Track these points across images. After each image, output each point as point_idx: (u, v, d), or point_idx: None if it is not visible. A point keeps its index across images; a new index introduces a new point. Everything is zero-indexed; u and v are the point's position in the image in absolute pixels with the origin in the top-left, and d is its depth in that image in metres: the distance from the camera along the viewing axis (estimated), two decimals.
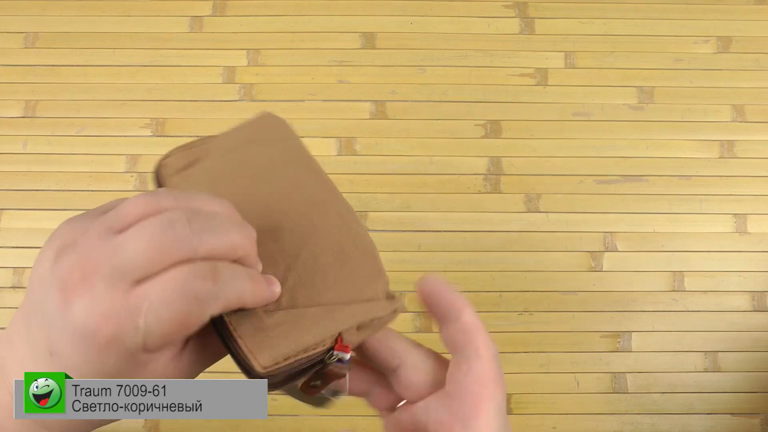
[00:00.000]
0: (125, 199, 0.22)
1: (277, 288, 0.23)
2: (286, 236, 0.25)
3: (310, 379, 0.24)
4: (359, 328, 0.24)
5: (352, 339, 0.24)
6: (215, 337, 0.23)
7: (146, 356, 0.21)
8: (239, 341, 0.23)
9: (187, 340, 0.24)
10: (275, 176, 0.27)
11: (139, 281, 0.20)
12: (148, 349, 0.21)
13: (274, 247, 0.24)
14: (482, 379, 0.24)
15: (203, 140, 0.28)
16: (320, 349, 0.23)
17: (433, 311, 0.27)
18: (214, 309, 0.21)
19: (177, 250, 0.20)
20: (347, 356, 0.23)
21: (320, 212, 0.26)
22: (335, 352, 0.23)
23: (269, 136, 0.30)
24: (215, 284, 0.21)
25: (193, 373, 0.24)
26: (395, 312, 0.25)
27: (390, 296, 0.26)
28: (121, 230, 0.21)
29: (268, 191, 0.26)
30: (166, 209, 0.21)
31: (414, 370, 0.26)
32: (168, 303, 0.20)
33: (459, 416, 0.24)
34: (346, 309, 0.24)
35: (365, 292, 0.25)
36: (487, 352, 0.25)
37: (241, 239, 0.22)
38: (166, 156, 0.27)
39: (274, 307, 0.23)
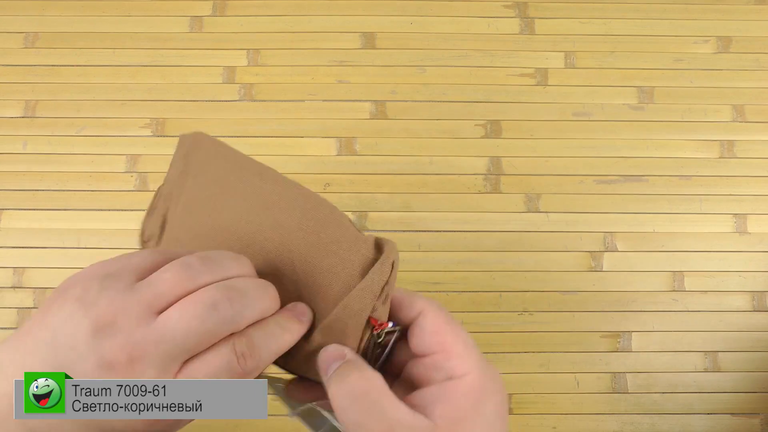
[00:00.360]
0: (154, 253, 0.23)
1: (308, 315, 0.25)
2: (273, 259, 0.26)
3: (377, 356, 0.25)
4: (379, 300, 0.25)
5: (381, 314, 0.25)
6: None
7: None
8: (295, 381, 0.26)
9: None
10: (235, 202, 0.28)
11: (186, 362, 0.22)
12: None
13: (273, 275, 0.26)
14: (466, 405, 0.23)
15: (157, 196, 0.29)
16: (364, 343, 0.24)
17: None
18: (256, 375, 0.24)
19: (222, 332, 0.22)
20: (390, 327, 0.25)
21: (285, 218, 0.27)
22: (377, 333, 0.25)
23: (205, 160, 0.30)
24: (253, 359, 0.23)
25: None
26: (394, 264, 0.25)
27: (380, 250, 0.26)
28: (161, 310, 0.21)
29: (238, 222, 0.27)
30: (203, 285, 0.22)
31: (434, 315, 0.24)
32: (208, 374, 0.22)
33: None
34: (354, 296, 0.25)
35: (356, 265, 0.25)
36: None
37: (269, 303, 0.23)
38: (142, 232, 0.29)
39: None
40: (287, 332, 0.24)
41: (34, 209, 0.55)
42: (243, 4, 0.58)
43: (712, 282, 0.54)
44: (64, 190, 0.55)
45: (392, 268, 0.26)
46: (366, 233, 0.27)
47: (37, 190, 0.55)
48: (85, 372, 0.21)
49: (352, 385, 0.23)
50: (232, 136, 0.56)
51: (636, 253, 0.54)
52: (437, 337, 0.24)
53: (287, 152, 0.55)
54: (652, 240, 0.54)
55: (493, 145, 0.56)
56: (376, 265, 0.25)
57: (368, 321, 0.25)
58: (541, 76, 0.57)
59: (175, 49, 0.57)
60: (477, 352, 0.24)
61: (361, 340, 0.25)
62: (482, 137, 0.56)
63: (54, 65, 0.57)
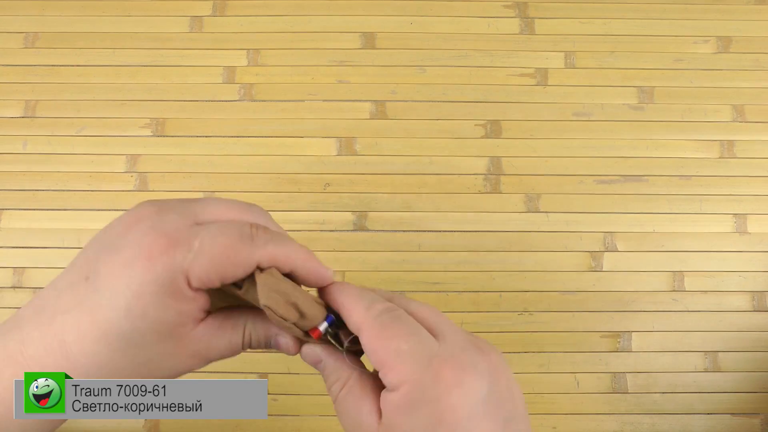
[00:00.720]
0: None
1: (330, 272, 0.25)
2: None
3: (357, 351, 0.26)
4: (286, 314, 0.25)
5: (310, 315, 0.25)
6: (227, 331, 0.25)
7: (183, 290, 0.22)
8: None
9: (208, 315, 0.25)
10: None
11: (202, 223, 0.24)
12: (195, 274, 0.22)
13: None
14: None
15: None
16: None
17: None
18: (261, 255, 0.23)
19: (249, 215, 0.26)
20: (325, 326, 0.26)
21: None
22: (322, 338, 0.26)
23: None
24: (266, 234, 0.24)
25: (201, 351, 0.25)
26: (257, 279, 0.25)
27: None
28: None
29: None
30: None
31: (367, 333, 0.24)
32: (223, 233, 0.23)
33: None
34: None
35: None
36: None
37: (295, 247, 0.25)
38: None
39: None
40: (308, 255, 0.25)
41: (34, 209, 0.55)
42: (243, 4, 0.58)
43: (712, 282, 0.54)
44: (64, 190, 0.55)
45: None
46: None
47: (37, 190, 0.55)
48: (117, 230, 0.23)
49: (332, 388, 0.25)
50: (232, 136, 0.56)
51: (636, 253, 0.54)
52: (374, 356, 0.23)
53: (287, 152, 0.55)
54: (652, 240, 0.54)
55: (493, 145, 0.56)
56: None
57: (310, 332, 0.25)
58: (541, 76, 0.57)
59: (175, 49, 0.57)
60: (414, 359, 0.23)
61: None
62: (482, 137, 0.56)
63: (54, 65, 0.57)
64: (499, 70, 0.57)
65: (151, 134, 0.56)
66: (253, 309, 0.26)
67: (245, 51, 0.57)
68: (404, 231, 0.54)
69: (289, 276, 0.25)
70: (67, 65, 0.57)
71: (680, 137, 0.56)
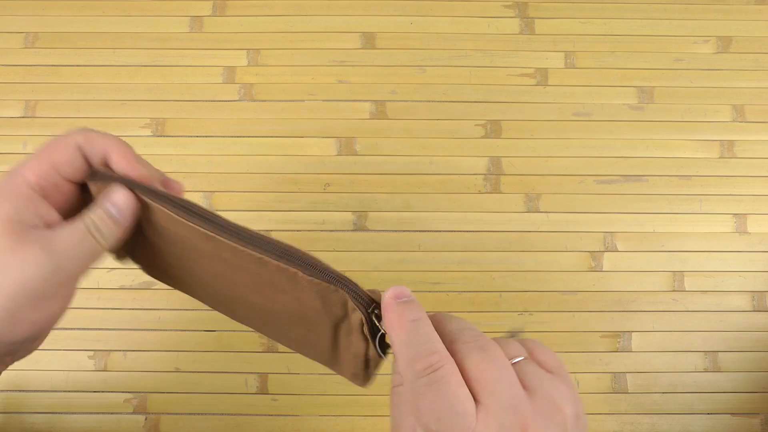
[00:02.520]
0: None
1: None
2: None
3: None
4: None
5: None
6: (66, 230, 0.26)
7: (24, 188, 0.26)
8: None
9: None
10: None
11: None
12: (29, 173, 0.27)
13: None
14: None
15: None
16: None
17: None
18: (78, 137, 0.28)
19: None
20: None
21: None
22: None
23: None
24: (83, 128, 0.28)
25: (46, 246, 0.25)
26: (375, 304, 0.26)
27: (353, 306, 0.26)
28: None
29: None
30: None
31: None
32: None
33: None
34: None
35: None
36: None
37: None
38: None
39: None
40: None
41: None
42: (243, 4, 0.58)
43: (712, 282, 0.54)
44: None
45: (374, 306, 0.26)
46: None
47: None
48: None
49: (419, 339, 0.24)
50: (232, 136, 0.56)
51: (636, 253, 0.54)
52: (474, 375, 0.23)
53: (287, 152, 0.55)
54: (652, 240, 0.54)
55: (493, 145, 0.56)
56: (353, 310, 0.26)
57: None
58: (541, 76, 0.57)
59: (175, 49, 0.57)
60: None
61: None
62: (482, 137, 0.56)
63: (54, 65, 0.57)
64: (499, 70, 0.57)
65: (151, 134, 0.56)
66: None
67: (245, 51, 0.57)
68: (404, 231, 0.54)
69: (108, 163, 0.28)
70: (67, 65, 0.57)
71: (680, 137, 0.56)
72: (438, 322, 0.25)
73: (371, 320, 0.25)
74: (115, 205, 0.26)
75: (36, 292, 0.24)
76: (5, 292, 0.23)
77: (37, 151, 0.26)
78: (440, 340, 0.24)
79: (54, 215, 0.26)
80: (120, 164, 0.27)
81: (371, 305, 0.26)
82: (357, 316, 0.26)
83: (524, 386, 0.23)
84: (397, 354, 0.24)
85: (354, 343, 0.27)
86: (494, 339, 0.24)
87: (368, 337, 0.26)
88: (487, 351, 0.23)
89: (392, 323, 0.24)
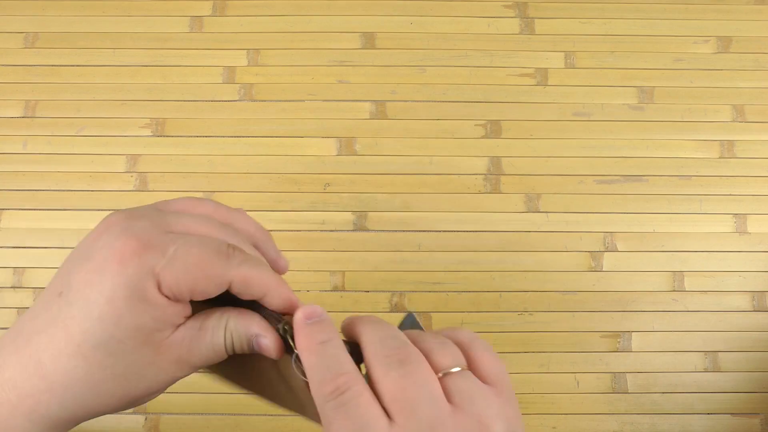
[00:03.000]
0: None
1: (298, 300, 0.25)
2: None
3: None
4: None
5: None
6: (207, 333, 0.24)
7: (154, 292, 0.22)
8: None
9: (188, 319, 0.24)
10: None
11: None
12: (167, 281, 0.21)
13: None
14: None
15: None
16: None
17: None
18: (235, 274, 0.23)
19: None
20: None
21: None
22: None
23: None
24: (242, 255, 0.23)
25: (183, 356, 0.24)
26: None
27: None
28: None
29: None
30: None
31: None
32: (199, 245, 0.22)
33: None
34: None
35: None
36: None
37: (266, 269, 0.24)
38: None
39: None
40: (278, 279, 0.24)
41: (34, 209, 0.55)
42: (243, 4, 0.58)
43: (712, 282, 0.54)
44: (64, 190, 0.55)
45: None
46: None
47: (37, 190, 0.55)
48: (87, 243, 0.22)
49: (326, 361, 0.23)
50: (232, 136, 0.56)
51: (636, 253, 0.54)
52: (386, 397, 0.22)
53: (287, 152, 0.55)
54: (652, 240, 0.54)
55: (493, 145, 0.56)
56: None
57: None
58: (541, 76, 0.57)
59: (175, 49, 0.57)
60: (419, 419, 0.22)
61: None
62: (482, 137, 0.56)
63: (54, 65, 0.57)
64: (499, 70, 0.57)
65: (151, 134, 0.56)
66: (232, 310, 0.25)
67: (245, 51, 0.57)
68: (404, 231, 0.54)
69: (260, 301, 0.25)
70: (67, 65, 0.57)
71: (680, 137, 0.56)
72: (357, 334, 0.24)
73: (285, 340, 0.24)
74: (260, 346, 0.25)
75: (156, 393, 0.24)
76: (130, 396, 0.23)
77: (179, 255, 0.22)
78: (350, 360, 0.22)
79: (184, 315, 0.24)
80: (275, 304, 0.25)
81: (281, 322, 0.25)
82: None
83: (451, 402, 0.21)
84: (309, 379, 0.22)
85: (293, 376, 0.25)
86: (433, 340, 0.23)
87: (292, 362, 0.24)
88: (408, 366, 0.21)
89: (302, 346, 0.23)
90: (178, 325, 0.23)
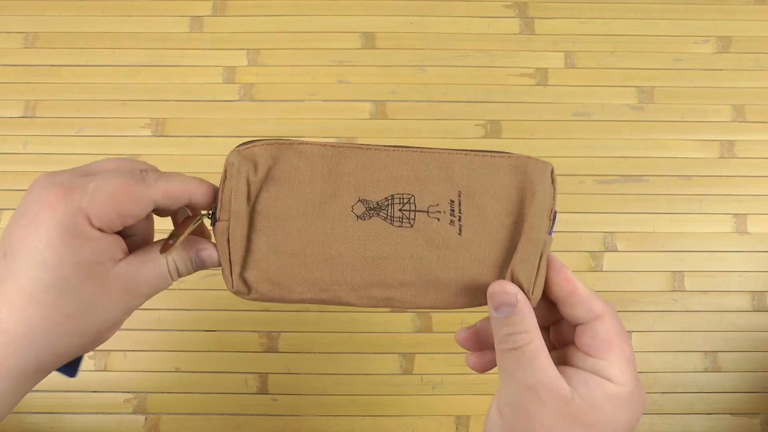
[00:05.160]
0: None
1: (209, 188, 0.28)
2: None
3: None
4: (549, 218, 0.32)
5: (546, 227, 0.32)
6: (150, 262, 0.27)
7: (87, 230, 0.24)
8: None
9: (128, 254, 0.27)
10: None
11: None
12: (94, 214, 0.24)
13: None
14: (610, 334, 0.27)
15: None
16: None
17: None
18: (155, 189, 0.25)
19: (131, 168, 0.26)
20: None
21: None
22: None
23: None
24: (156, 173, 0.26)
25: (128, 286, 0.26)
26: (553, 176, 0.32)
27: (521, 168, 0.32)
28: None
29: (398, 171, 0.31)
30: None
31: (610, 324, 0.27)
32: (114, 176, 0.25)
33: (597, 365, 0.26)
34: (535, 224, 0.31)
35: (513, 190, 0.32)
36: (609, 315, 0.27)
37: (193, 185, 0.27)
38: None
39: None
40: (197, 184, 0.27)
41: None
42: (243, 4, 0.58)
43: (712, 282, 0.54)
44: None
45: (553, 181, 0.31)
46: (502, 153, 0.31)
47: None
48: (20, 205, 0.24)
49: (517, 336, 0.26)
50: (232, 136, 0.56)
51: (636, 253, 0.54)
52: (607, 346, 0.26)
53: None
54: (652, 240, 0.54)
55: (493, 145, 0.56)
56: (543, 187, 0.30)
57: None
58: (541, 76, 0.57)
59: (175, 49, 0.58)
60: (635, 371, 0.27)
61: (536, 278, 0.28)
62: (482, 137, 0.56)
63: (54, 65, 0.57)
64: (499, 70, 0.57)
65: (151, 134, 0.56)
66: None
67: (245, 51, 0.58)
68: None
69: (188, 206, 0.28)
70: (67, 65, 0.57)
71: (680, 137, 0.56)
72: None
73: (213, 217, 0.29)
74: (202, 260, 0.28)
75: (115, 326, 0.26)
76: (89, 333, 0.25)
77: (100, 187, 0.24)
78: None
79: (121, 248, 0.26)
80: (201, 201, 0.28)
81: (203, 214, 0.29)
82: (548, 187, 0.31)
83: None
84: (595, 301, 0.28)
85: (538, 225, 0.30)
86: None
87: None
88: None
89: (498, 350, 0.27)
90: (120, 260, 0.25)
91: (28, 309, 0.23)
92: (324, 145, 0.30)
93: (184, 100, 0.56)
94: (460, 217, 0.30)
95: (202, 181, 0.27)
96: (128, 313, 0.26)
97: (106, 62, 0.57)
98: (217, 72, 0.57)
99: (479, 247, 0.29)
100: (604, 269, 0.54)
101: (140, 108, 0.56)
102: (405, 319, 0.53)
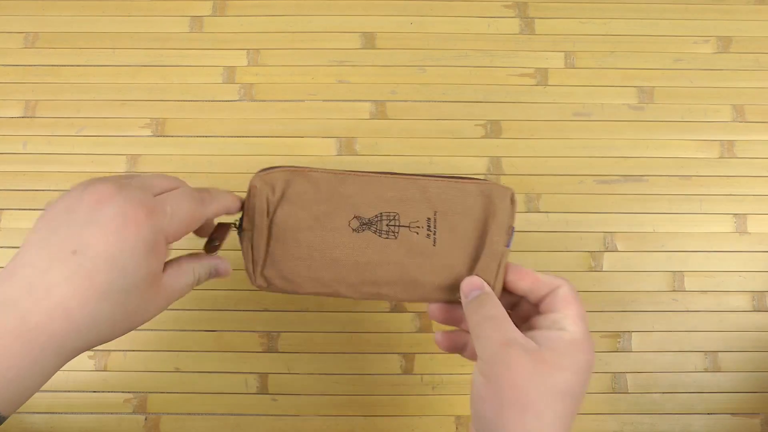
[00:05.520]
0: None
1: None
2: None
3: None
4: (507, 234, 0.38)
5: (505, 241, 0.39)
6: (183, 274, 0.33)
7: (162, 247, 0.29)
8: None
9: (166, 265, 0.32)
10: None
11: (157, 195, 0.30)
12: (170, 233, 0.30)
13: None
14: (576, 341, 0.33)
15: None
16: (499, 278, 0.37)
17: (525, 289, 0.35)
18: (209, 211, 0.33)
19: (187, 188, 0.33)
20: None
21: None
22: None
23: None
24: (209, 195, 0.34)
25: (168, 293, 0.32)
26: (513, 199, 0.39)
27: (491, 195, 0.40)
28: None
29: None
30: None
31: (568, 288, 0.34)
32: (184, 199, 0.31)
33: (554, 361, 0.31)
34: (495, 239, 0.38)
35: (480, 209, 0.39)
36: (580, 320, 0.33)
37: (231, 199, 0.36)
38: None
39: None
40: (233, 199, 0.37)
41: (34, 209, 0.55)
42: (243, 4, 0.58)
43: (712, 282, 0.54)
44: (64, 190, 0.55)
45: (512, 203, 0.38)
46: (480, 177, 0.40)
47: (37, 190, 0.55)
48: (88, 207, 0.28)
49: (487, 309, 0.33)
50: (232, 136, 0.56)
51: (636, 253, 0.54)
52: (565, 302, 0.33)
53: (287, 152, 0.55)
54: (652, 240, 0.54)
55: (493, 145, 0.56)
56: (503, 208, 0.37)
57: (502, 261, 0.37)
58: (541, 76, 0.57)
59: (175, 49, 0.58)
60: (586, 325, 0.33)
61: (497, 275, 0.36)
62: (482, 137, 0.56)
63: (54, 65, 0.57)
64: (499, 70, 0.57)
65: (151, 134, 0.56)
66: (194, 256, 0.35)
67: (245, 51, 0.58)
68: None
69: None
70: (67, 65, 0.57)
71: (680, 137, 0.56)
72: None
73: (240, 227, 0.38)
74: (218, 272, 0.37)
75: (144, 323, 0.31)
76: (130, 328, 0.30)
77: (176, 212, 0.30)
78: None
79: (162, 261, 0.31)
80: (233, 212, 0.37)
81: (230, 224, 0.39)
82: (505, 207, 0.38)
83: None
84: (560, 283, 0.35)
85: (497, 240, 0.37)
86: None
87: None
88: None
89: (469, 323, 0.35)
90: (163, 270, 0.31)
91: (98, 304, 0.27)
92: (328, 172, 0.39)
93: (184, 100, 0.56)
94: (435, 231, 0.37)
95: (234, 196, 0.36)
96: (158, 314, 0.32)
97: (106, 62, 0.57)
98: (217, 72, 0.57)
99: (450, 256, 0.37)
100: (604, 269, 0.54)
101: (140, 108, 0.56)
102: (405, 319, 0.53)
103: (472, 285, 0.35)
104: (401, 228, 0.38)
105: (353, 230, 0.38)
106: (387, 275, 0.37)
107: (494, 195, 0.38)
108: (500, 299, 0.35)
